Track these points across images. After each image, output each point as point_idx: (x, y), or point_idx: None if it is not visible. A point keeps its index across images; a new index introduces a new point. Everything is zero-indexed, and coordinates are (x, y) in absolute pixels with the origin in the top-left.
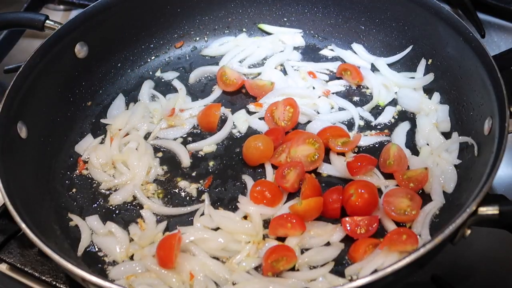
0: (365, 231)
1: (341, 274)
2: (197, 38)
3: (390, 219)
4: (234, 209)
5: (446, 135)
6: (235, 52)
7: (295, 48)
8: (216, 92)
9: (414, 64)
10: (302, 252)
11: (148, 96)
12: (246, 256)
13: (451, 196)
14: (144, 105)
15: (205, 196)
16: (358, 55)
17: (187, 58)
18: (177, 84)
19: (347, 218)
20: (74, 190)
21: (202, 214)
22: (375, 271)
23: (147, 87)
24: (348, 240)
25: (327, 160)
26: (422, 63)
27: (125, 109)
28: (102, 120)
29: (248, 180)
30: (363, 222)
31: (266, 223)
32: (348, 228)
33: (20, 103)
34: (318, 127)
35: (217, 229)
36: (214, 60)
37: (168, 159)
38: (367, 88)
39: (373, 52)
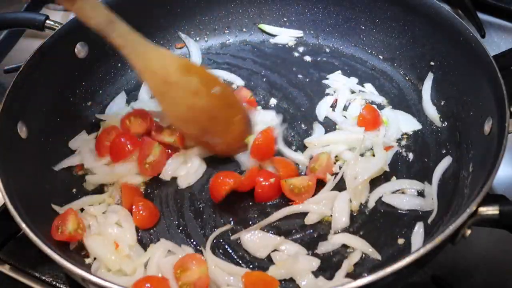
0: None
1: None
2: (197, 38)
3: None
4: None
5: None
6: None
7: (296, 50)
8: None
9: (414, 64)
10: None
11: (148, 96)
12: None
13: (451, 197)
14: (144, 104)
15: None
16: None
17: (188, 58)
18: None
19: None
20: (74, 190)
21: None
22: (375, 270)
23: (147, 87)
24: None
25: None
26: (430, 77)
27: (125, 108)
28: (97, 115)
29: None
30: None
31: None
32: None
33: (20, 103)
34: None
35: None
36: None
37: None
38: None
39: (373, 52)
